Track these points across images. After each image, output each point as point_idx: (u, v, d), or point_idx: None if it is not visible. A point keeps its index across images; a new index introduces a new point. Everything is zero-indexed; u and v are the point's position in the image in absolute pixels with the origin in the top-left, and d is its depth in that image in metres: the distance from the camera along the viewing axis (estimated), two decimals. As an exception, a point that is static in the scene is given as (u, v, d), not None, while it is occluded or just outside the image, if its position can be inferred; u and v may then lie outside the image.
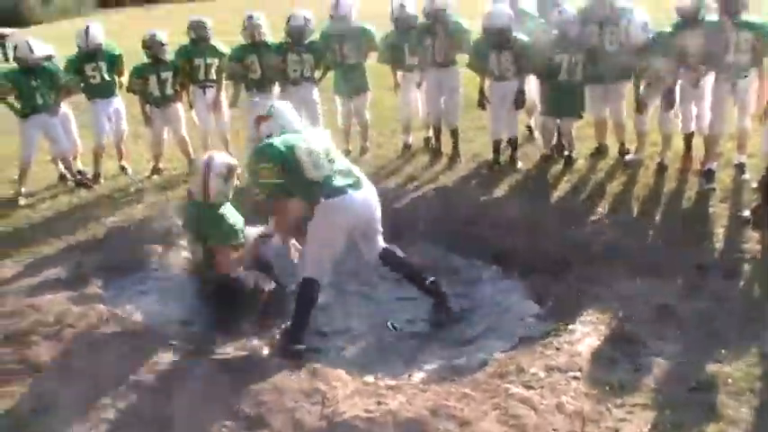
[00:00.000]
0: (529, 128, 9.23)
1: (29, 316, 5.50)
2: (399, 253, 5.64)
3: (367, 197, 5.30)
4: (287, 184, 5.06)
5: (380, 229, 5.52)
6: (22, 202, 8.45)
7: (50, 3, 56.72)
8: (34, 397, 4.52)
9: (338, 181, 5.15)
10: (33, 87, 8.43)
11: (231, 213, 5.51)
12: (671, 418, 3.87)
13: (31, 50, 8.45)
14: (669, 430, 3.79)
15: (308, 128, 5.53)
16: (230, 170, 5.46)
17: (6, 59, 21.51)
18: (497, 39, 7.79)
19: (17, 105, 8.51)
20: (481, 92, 8.21)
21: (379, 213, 5.44)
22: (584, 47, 7.54)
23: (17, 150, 8.82)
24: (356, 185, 5.21)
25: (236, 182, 5.54)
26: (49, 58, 8.79)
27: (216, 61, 8.87)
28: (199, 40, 8.88)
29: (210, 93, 8.95)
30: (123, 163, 9.38)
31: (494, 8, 7.95)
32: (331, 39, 8.69)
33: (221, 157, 5.56)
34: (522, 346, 4.84)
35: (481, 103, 8.27)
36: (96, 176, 9.07)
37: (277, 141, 5.12)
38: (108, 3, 46.89)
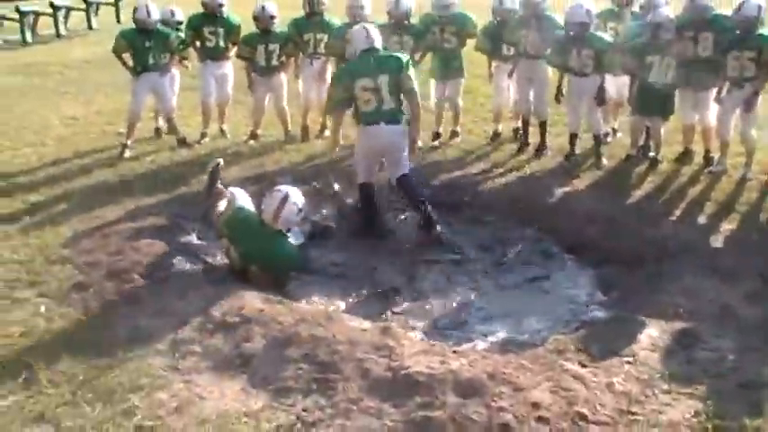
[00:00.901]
0: (613, 129, 9.35)
1: (129, 256, 6.01)
2: (414, 182, 6.99)
3: (393, 132, 6.70)
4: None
5: (403, 158, 6.85)
6: (126, 154, 8.97)
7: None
8: (130, 327, 4.96)
9: (377, 115, 6.62)
10: (147, 48, 8.95)
11: (288, 245, 5.89)
12: (714, 409, 4.04)
13: (149, 14, 8.94)
14: (710, 419, 3.97)
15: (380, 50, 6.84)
16: (303, 207, 5.91)
17: (119, 21, 22.44)
18: (577, 34, 7.98)
19: (130, 63, 9.04)
20: (558, 86, 8.43)
21: (401, 147, 6.79)
22: (677, 52, 7.64)
23: (126, 106, 9.39)
24: (390, 122, 6.64)
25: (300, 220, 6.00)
26: (178, 23, 9.55)
27: (325, 36, 9.11)
28: (312, 15, 9.17)
29: (317, 63, 9.28)
30: (224, 126, 9.85)
31: (574, 3, 8.11)
32: (433, 23, 8.92)
33: (299, 193, 5.94)
34: (584, 329, 5.07)
35: (557, 98, 8.48)
36: (202, 136, 9.58)
37: (349, 69, 6.84)
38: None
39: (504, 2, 8.91)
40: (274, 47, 9.16)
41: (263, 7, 9.12)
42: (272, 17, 9.11)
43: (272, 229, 5.74)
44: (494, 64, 9.30)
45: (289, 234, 5.88)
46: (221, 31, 9.37)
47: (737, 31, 7.45)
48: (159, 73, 9.10)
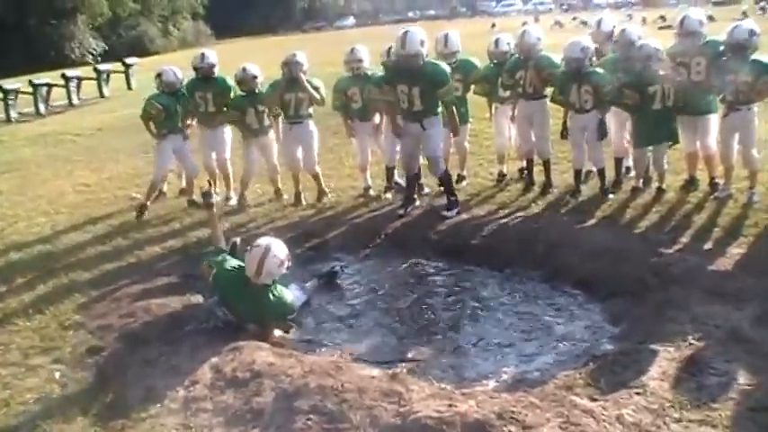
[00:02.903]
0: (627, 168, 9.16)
1: (141, 317, 6.10)
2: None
3: None
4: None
5: None
6: (145, 214, 9.11)
7: (170, 35, 60.16)
8: (143, 388, 5.00)
9: None
10: (177, 111, 9.12)
11: (278, 293, 5.84)
12: (726, 434, 4.05)
13: (176, 76, 9.18)
14: (723, 445, 3.98)
15: None
16: (286, 258, 5.83)
17: (129, 88, 22.87)
18: (574, 70, 8.08)
19: (154, 128, 9.14)
20: (564, 124, 8.47)
21: None
22: (671, 81, 7.74)
23: (136, 171, 9.52)
24: None
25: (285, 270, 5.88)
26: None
27: (306, 97, 8.94)
28: (290, 77, 8.93)
29: (297, 127, 9.10)
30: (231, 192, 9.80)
31: (570, 40, 8.27)
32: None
33: (281, 245, 5.88)
34: (594, 363, 5.06)
35: (564, 135, 8.53)
36: (227, 199, 9.62)
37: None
38: (224, 34, 49.74)
39: (500, 44, 9.09)
40: (263, 107, 9.10)
41: (243, 69, 9.07)
42: (255, 77, 9.05)
43: (256, 284, 5.74)
44: (494, 105, 9.40)
45: (277, 287, 5.86)
46: (209, 96, 9.34)
47: (729, 55, 7.51)
48: (182, 135, 9.28)
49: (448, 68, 8.24)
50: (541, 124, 8.77)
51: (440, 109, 8.21)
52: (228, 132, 9.64)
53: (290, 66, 8.92)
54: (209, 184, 7.29)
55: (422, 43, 7.86)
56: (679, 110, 7.89)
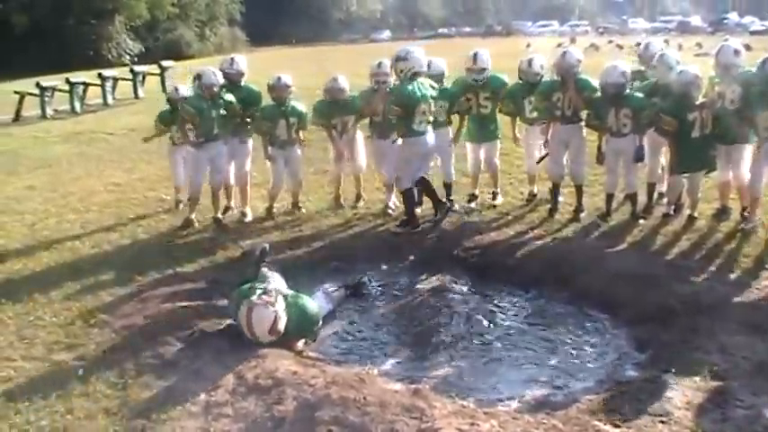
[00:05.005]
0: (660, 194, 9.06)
1: (165, 319, 6.13)
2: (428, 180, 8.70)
3: (431, 142, 8.40)
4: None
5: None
6: (196, 225, 8.94)
7: (206, 40, 60.66)
8: (165, 390, 5.03)
9: (421, 127, 8.20)
10: (213, 117, 8.62)
11: (300, 306, 5.81)
12: (748, 467, 3.99)
13: (216, 78, 8.62)
14: (744, 477, 3.92)
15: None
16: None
17: (164, 90, 23.02)
18: (613, 94, 8.02)
19: (192, 132, 8.75)
20: (599, 148, 8.41)
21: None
22: (710, 108, 7.71)
23: (166, 171, 9.50)
24: (429, 131, 8.31)
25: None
26: (183, 99, 9.13)
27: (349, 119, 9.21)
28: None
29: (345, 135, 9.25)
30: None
31: (609, 65, 8.22)
32: (467, 87, 9.01)
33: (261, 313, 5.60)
34: (618, 389, 5.01)
35: (599, 159, 8.46)
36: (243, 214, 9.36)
37: (413, 87, 8.13)
38: (259, 42, 50.15)
39: (533, 65, 9.05)
40: (294, 120, 9.01)
41: (279, 78, 8.96)
42: (288, 87, 8.96)
43: None
44: (524, 127, 9.34)
45: (301, 298, 5.89)
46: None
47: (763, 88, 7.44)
48: (222, 142, 8.81)
49: (425, 81, 8.38)
50: (579, 148, 8.63)
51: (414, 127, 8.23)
52: (250, 143, 9.43)
53: (332, 93, 9.20)
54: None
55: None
56: (716, 138, 7.81)
